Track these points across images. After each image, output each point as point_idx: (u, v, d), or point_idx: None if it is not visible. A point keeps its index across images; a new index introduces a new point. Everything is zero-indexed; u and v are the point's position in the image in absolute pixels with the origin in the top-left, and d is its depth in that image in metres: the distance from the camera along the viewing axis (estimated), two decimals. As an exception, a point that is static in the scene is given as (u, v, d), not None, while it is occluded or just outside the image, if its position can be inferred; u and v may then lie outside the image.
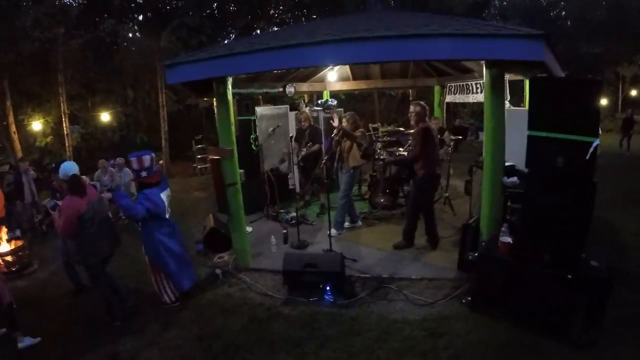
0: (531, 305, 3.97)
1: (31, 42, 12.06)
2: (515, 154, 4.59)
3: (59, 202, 5.11)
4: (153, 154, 4.92)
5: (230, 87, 5.37)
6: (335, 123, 6.26)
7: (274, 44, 4.48)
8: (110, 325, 4.68)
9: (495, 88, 4.54)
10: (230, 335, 4.37)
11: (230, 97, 5.44)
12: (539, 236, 3.82)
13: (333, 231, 6.41)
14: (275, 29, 17.35)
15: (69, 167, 4.49)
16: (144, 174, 4.76)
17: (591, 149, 3.37)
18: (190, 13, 14.58)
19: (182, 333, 4.47)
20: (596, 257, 4.11)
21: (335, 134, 6.31)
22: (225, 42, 16.88)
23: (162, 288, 5.00)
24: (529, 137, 3.72)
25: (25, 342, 4.41)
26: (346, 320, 4.51)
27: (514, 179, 4.85)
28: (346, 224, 7.06)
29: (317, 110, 9.21)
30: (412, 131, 6.82)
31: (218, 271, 5.66)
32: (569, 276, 3.63)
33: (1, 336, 4.54)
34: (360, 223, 7.23)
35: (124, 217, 8.74)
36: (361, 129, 6.59)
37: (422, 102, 5.91)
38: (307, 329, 4.39)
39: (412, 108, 5.85)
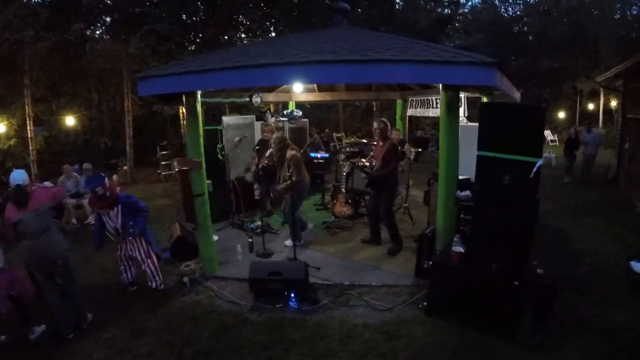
0: (483, 310, 4.29)
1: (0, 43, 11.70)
2: (470, 167, 4.90)
3: None
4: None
5: (199, 100, 5.53)
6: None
7: (245, 62, 4.68)
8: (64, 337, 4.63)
9: (451, 108, 4.90)
10: (200, 341, 4.49)
11: (199, 110, 5.59)
12: (488, 247, 4.16)
13: (289, 242, 6.69)
14: (243, 36, 17.43)
15: (15, 177, 4.44)
16: (108, 193, 5.11)
17: (534, 169, 3.74)
18: (162, 17, 14.42)
19: (152, 340, 4.55)
20: (545, 264, 4.51)
21: (271, 154, 6.71)
22: (193, 47, 16.80)
23: (156, 272, 5.57)
24: (479, 157, 4.08)
25: (36, 332, 4.55)
26: (310, 325, 4.72)
27: (467, 192, 5.21)
28: (287, 241, 7.00)
29: (283, 121, 9.45)
30: (374, 143, 7.17)
31: (186, 279, 5.74)
32: (515, 283, 3.98)
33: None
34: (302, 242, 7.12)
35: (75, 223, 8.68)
36: (293, 152, 6.55)
37: (384, 119, 6.38)
38: (273, 334, 4.57)
39: (375, 125, 6.31)
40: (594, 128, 12.70)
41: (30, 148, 13.45)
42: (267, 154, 6.83)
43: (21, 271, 4.92)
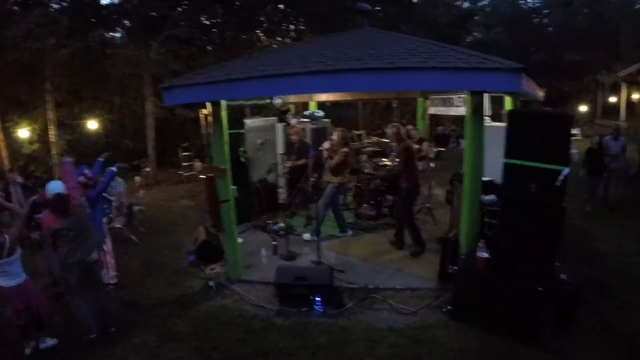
0: (506, 315, 4.31)
1: (22, 52, 11.90)
2: (494, 168, 4.91)
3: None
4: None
5: (225, 109, 5.62)
6: (326, 145, 6.82)
7: (270, 71, 4.73)
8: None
9: (477, 112, 4.87)
10: (228, 346, 4.59)
11: (225, 119, 5.67)
12: (513, 253, 4.18)
13: (307, 235, 6.88)
14: (262, 36, 17.46)
15: (54, 187, 4.53)
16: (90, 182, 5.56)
17: (561, 177, 3.73)
18: (181, 21, 14.55)
19: (181, 346, 4.66)
20: (566, 266, 4.50)
21: (326, 149, 6.75)
22: (211, 47, 16.88)
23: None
24: (505, 164, 4.08)
25: (47, 343, 4.62)
26: (336, 329, 4.78)
27: (492, 196, 5.19)
28: (337, 233, 7.43)
29: (305, 122, 9.49)
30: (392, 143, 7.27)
31: (211, 283, 5.85)
32: (540, 289, 3.99)
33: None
34: (350, 232, 7.52)
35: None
36: (346, 149, 6.94)
37: (396, 124, 6.67)
38: (299, 339, 4.64)
39: (388, 131, 6.60)
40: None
41: (54, 152, 13.72)
42: (325, 146, 7.08)
43: (43, 279, 5.11)
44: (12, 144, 13.93)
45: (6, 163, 12.22)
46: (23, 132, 13.97)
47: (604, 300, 4.93)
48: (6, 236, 4.22)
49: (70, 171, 4.99)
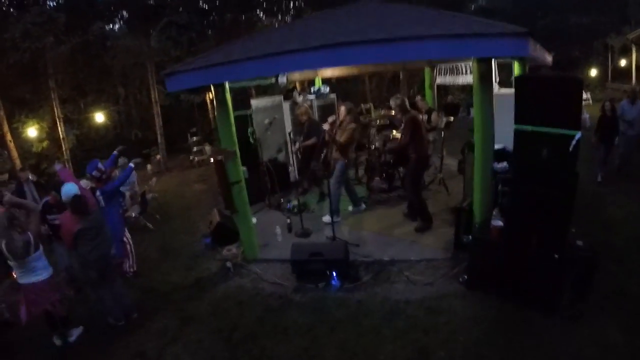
0: (523, 283, 4.29)
1: (21, 53, 11.94)
2: (505, 136, 4.81)
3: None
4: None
5: (228, 90, 5.59)
6: (330, 120, 6.78)
7: (270, 50, 4.66)
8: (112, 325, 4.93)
9: (484, 80, 4.77)
10: (247, 325, 4.69)
11: (229, 100, 5.65)
12: (527, 221, 4.13)
13: (327, 218, 6.79)
14: (262, 15, 17.20)
15: (70, 189, 4.58)
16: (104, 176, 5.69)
17: (573, 142, 3.65)
18: (179, 7, 14.40)
19: (201, 327, 4.77)
20: (581, 232, 4.46)
21: (330, 129, 6.65)
22: (211, 31, 16.72)
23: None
24: (516, 131, 3.99)
25: (74, 334, 4.77)
26: (353, 303, 4.85)
27: (504, 164, 5.14)
28: (350, 208, 7.41)
29: (311, 99, 9.42)
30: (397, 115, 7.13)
31: (229, 264, 5.93)
32: (556, 256, 3.96)
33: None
34: (364, 206, 7.50)
35: None
36: (353, 125, 6.78)
37: (399, 95, 6.46)
38: (318, 314, 4.73)
39: (392, 103, 6.41)
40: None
41: (64, 148, 13.89)
42: (329, 121, 6.93)
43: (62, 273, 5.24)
44: (22, 144, 14.13)
45: (17, 163, 12.39)
46: (31, 131, 14.16)
47: (619, 266, 4.85)
48: (29, 233, 4.30)
49: (68, 175, 5.03)
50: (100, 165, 5.77)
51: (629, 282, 4.53)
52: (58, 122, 13.68)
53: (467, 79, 8.55)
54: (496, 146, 5.28)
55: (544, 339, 3.88)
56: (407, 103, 6.39)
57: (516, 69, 6.47)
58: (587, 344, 3.73)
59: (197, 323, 4.86)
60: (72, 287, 5.67)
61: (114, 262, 5.00)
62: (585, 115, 12.73)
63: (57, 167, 5.28)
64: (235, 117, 6.11)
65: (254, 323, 4.73)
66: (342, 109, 6.83)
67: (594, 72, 22.95)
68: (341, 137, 6.69)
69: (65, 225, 4.65)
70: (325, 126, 6.84)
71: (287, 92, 9.86)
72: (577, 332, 3.89)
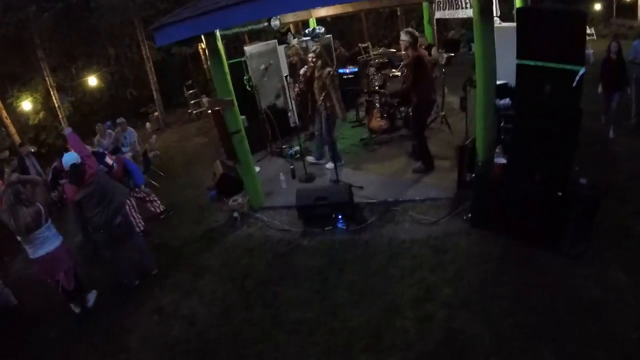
0: (526, 221, 4.32)
1: (5, 27, 11.62)
2: (507, 71, 4.61)
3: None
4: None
5: (219, 39, 5.40)
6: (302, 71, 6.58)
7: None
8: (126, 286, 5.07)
9: (484, 13, 4.55)
10: (258, 272, 4.84)
11: (222, 49, 5.48)
12: (530, 158, 4.10)
13: (329, 165, 6.76)
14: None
15: (68, 159, 4.59)
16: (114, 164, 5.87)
17: (577, 77, 3.54)
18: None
19: (214, 278, 4.92)
20: (584, 170, 4.42)
21: (306, 71, 6.50)
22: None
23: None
24: (518, 66, 3.88)
25: (90, 299, 4.93)
26: (360, 245, 4.97)
27: (507, 100, 5.02)
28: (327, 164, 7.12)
29: (306, 40, 9.13)
30: (403, 52, 6.83)
31: (235, 214, 6.03)
32: (559, 194, 3.96)
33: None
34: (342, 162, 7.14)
35: None
36: (328, 69, 6.34)
37: (410, 30, 5.92)
38: (326, 257, 4.86)
39: (402, 36, 5.87)
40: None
41: (60, 117, 13.74)
42: (302, 71, 6.67)
43: (74, 238, 5.32)
44: (18, 118, 13.97)
45: (16, 138, 12.32)
46: (26, 104, 13.97)
47: (623, 205, 4.81)
48: (38, 204, 4.35)
49: (76, 141, 4.98)
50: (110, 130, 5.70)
51: (631, 221, 4.50)
52: (51, 91, 13.51)
53: (467, 12, 8.20)
54: (498, 82, 5.13)
55: (549, 277, 3.93)
56: (418, 39, 5.87)
57: (518, 1, 6.18)
58: (592, 283, 3.77)
59: (210, 274, 5.01)
60: (89, 250, 5.87)
61: (124, 224, 5.05)
62: (589, 51, 12.20)
63: (67, 131, 5.19)
64: (230, 66, 5.96)
65: (265, 269, 4.87)
66: (310, 55, 6.55)
67: (597, 6, 21.93)
68: (316, 92, 6.44)
69: (68, 194, 4.78)
70: (303, 70, 6.59)
71: (282, 36, 9.54)
72: (580, 271, 3.93)
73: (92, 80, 15.33)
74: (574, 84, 3.56)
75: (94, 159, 4.90)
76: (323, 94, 6.16)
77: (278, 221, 5.78)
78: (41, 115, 14.49)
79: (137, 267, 5.21)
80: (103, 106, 16.16)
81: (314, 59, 6.43)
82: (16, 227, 4.23)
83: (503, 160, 4.46)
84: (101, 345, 4.30)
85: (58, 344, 4.44)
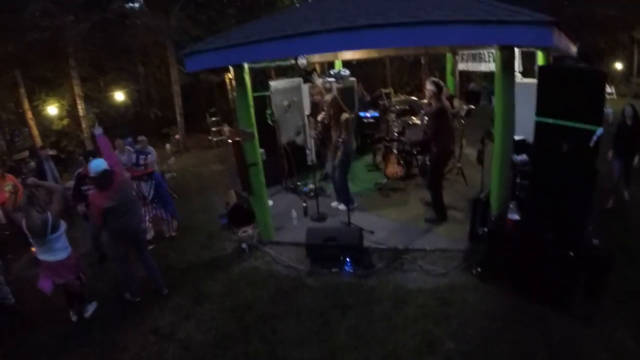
0: (536, 279, 4.24)
1: (42, 31, 12.00)
2: (526, 127, 4.64)
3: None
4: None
5: (247, 71, 5.56)
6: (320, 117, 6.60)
7: (290, 31, 4.61)
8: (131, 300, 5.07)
9: (507, 68, 4.64)
10: (260, 306, 4.76)
11: (248, 81, 5.63)
12: (544, 216, 4.06)
13: (341, 206, 6.77)
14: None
15: (98, 164, 4.58)
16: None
17: (594, 137, 3.54)
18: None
19: (214, 306, 4.85)
20: (598, 230, 4.34)
21: (323, 118, 6.53)
22: (232, 11, 16.58)
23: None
24: (537, 123, 3.90)
25: (89, 309, 4.90)
26: (365, 289, 4.86)
27: (524, 156, 5.02)
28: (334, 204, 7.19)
29: (330, 81, 9.33)
30: (424, 101, 6.91)
31: (244, 245, 6.00)
32: (571, 254, 3.89)
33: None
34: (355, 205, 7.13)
35: None
36: (347, 115, 6.45)
37: (437, 80, 5.99)
38: (330, 299, 4.75)
39: (428, 85, 5.96)
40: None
41: (84, 125, 14.05)
42: (320, 117, 6.77)
43: (83, 248, 5.34)
44: (42, 121, 14.34)
45: (38, 141, 12.59)
46: (52, 109, 14.35)
47: (633, 269, 4.71)
48: (48, 213, 4.37)
49: (106, 144, 5.01)
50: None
51: (641, 284, 4.38)
52: (78, 100, 13.84)
53: (489, 66, 8.34)
54: (516, 137, 5.15)
55: (555, 337, 3.82)
56: (442, 90, 5.92)
57: (540, 59, 6.28)
58: (598, 347, 3.67)
59: (211, 302, 4.94)
60: (97, 259, 5.92)
61: (143, 236, 5.09)
62: (609, 110, 12.21)
63: (97, 131, 5.13)
64: (254, 98, 6.09)
65: (267, 304, 4.79)
66: (327, 97, 6.63)
67: (619, 66, 22.15)
68: (334, 136, 6.50)
69: (94, 202, 4.67)
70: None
71: (307, 74, 9.77)
72: (588, 333, 3.82)
73: (119, 95, 15.76)
74: (592, 144, 3.55)
75: (121, 166, 4.94)
76: (341, 139, 6.27)
77: (285, 257, 5.73)
78: (65, 122, 14.88)
79: (141, 284, 5.18)
80: (126, 122, 16.50)
81: (326, 107, 6.54)
82: (27, 227, 4.30)
83: (516, 217, 4.41)
84: (92, 357, 4.24)
85: (48, 350, 4.39)
